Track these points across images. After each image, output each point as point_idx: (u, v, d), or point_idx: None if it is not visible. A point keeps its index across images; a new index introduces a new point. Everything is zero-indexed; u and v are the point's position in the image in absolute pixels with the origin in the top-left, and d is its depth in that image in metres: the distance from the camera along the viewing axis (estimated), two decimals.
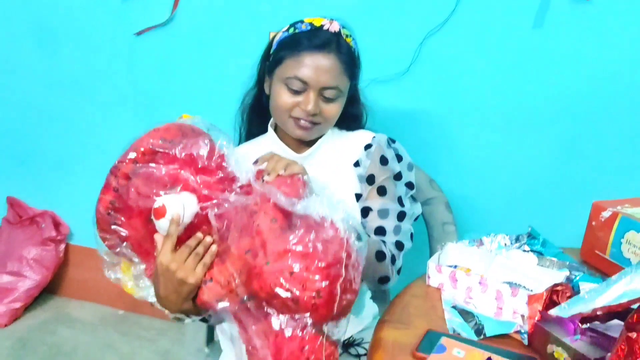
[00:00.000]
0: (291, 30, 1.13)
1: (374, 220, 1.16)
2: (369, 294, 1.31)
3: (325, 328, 0.85)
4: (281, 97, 1.11)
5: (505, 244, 1.18)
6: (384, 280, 1.13)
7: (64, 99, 2.11)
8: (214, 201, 0.91)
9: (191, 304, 0.92)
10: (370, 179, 1.18)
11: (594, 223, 1.13)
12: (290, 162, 0.94)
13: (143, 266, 0.96)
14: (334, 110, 1.13)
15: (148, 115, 1.94)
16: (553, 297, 0.90)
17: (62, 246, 2.27)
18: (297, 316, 0.83)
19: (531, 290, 0.98)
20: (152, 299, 0.96)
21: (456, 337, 0.89)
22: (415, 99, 1.65)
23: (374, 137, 1.22)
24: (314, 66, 1.08)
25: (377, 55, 1.60)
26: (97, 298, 2.32)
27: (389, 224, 1.16)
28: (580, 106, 1.52)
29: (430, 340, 0.86)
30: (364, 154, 1.20)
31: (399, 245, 1.16)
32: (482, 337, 0.91)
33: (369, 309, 1.28)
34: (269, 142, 1.21)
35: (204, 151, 0.91)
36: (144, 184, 0.89)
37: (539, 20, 1.49)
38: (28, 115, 2.20)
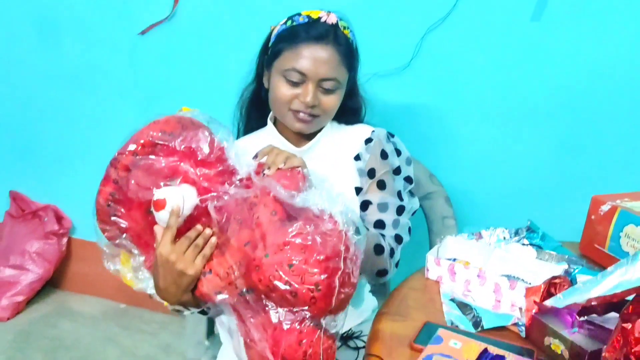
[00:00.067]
0: (289, 23, 1.14)
1: (373, 214, 1.17)
2: (368, 287, 1.32)
3: (323, 322, 0.85)
4: (280, 90, 1.12)
5: (505, 238, 1.18)
6: (382, 273, 1.13)
7: (66, 94, 2.12)
8: (214, 193, 0.91)
9: (190, 296, 0.93)
10: (370, 173, 1.19)
11: (593, 217, 1.13)
12: (290, 155, 0.95)
13: (142, 258, 0.96)
14: (332, 102, 1.13)
15: (149, 110, 1.95)
16: (551, 289, 0.91)
17: (65, 240, 2.28)
18: (295, 309, 0.83)
19: (529, 284, 0.98)
20: (151, 290, 0.97)
21: (453, 329, 0.89)
22: (416, 94, 1.65)
23: (374, 131, 1.22)
24: (312, 58, 1.09)
25: (378, 49, 1.60)
26: (99, 292, 2.33)
27: (388, 217, 1.16)
28: (580, 101, 1.52)
29: (428, 332, 0.87)
30: (364, 148, 1.20)
31: (398, 239, 1.16)
32: (480, 329, 0.92)
33: (369, 302, 1.29)
34: (268, 136, 1.21)
35: (203, 144, 0.91)
36: (144, 176, 0.90)
37: (538, 14, 1.48)
38: (30, 109, 2.21)
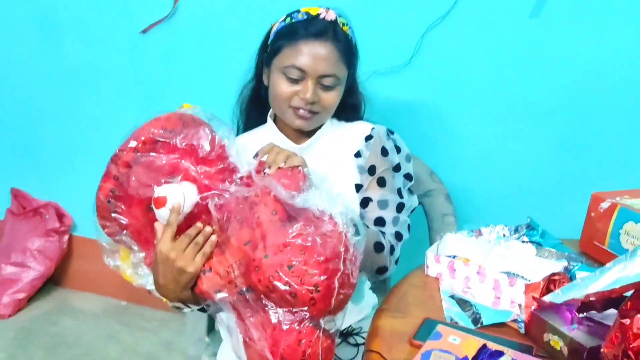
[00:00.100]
0: (288, 20, 1.14)
1: (373, 211, 1.17)
2: (368, 284, 1.32)
3: (322, 322, 0.85)
4: (280, 87, 1.12)
5: (504, 235, 1.18)
6: (382, 270, 1.13)
7: (67, 92, 2.12)
8: (215, 191, 0.91)
9: (190, 293, 0.93)
10: (370, 170, 1.19)
11: (592, 214, 1.13)
12: (291, 155, 0.95)
13: (142, 254, 0.96)
14: (332, 98, 1.14)
15: (150, 108, 1.92)
16: (550, 286, 0.91)
17: (66, 237, 2.28)
18: (294, 310, 0.83)
19: (529, 280, 0.98)
20: (151, 286, 0.97)
21: (453, 325, 0.90)
22: (416, 91, 1.65)
23: (374, 128, 1.22)
24: (311, 54, 1.09)
25: (378, 47, 1.60)
26: (100, 289, 2.33)
27: (388, 215, 1.17)
28: (580, 98, 1.52)
29: (427, 329, 0.87)
30: (364, 145, 1.20)
31: (398, 236, 1.17)
32: (479, 325, 0.92)
33: (369, 299, 1.29)
34: (268, 133, 1.22)
35: (204, 141, 0.91)
36: (145, 172, 0.90)
37: (536, 11, 1.49)
38: (32, 108, 2.21)
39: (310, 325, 0.84)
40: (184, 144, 0.90)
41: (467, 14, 1.55)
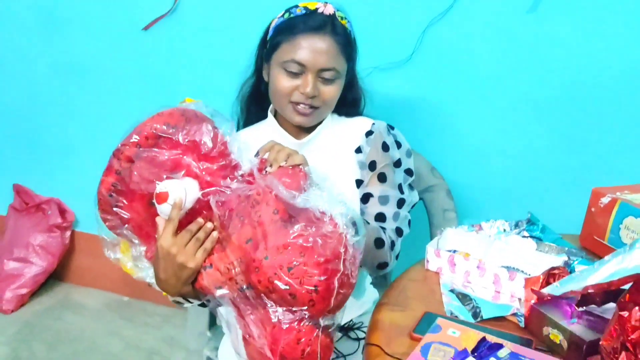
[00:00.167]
0: (286, 15, 1.14)
1: (374, 206, 1.17)
2: (369, 279, 1.33)
3: (321, 321, 0.86)
4: (280, 82, 1.12)
5: (505, 230, 1.18)
6: (383, 266, 1.14)
7: (69, 88, 2.13)
8: (216, 188, 0.92)
9: (190, 288, 0.94)
10: (371, 165, 1.19)
11: (593, 209, 1.13)
12: (292, 153, 0.95)
13: (143, 248, 0.97)
14: (332, 92, 1.14)
15: (152, 104, 1.94)
16: (550, 280, 0.91)
17: (68, 233, 2.29)
18: (294, 309, 0.84)
19: (529, 275, 0.99)
20: (151, 280, 0.98)
21: (453, 319, 0.90)
22: (417, 87, 1.65)
23: (374, 123, 1.23)
24: (310, 48, 1.09)
25: (379, 43, 1.61)
26: (102, 284, 2.34)
27: (389, 210, 1.17)
28: (581, 94, 1.52)
29: (427, 322, 0.87)
30: (364, 141, 1.21)
31: (398, 232, 1.17)
32: (479, 319, 0.92)
33: (370, 294, 1.30)
34: (268, 129, 1.22)
35: (207, 138, 0.92)
36: (147, 168, 0.90)
37: (534, 7, 1.49)
38: (34, 103, 2.22)
39: (310, 324, 0.85)
40: (186, 140, 0.91)
41: (468, 10, 1.55)
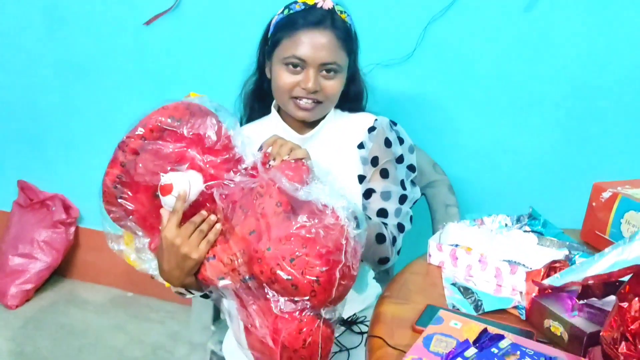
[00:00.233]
0: (286, 11, 1.15)
1: (376, 202, 1.18)
2: (372, 274, 1.33)
3: (322, 311, 0.87)
4: (281, 78, 1.13)
5: (506, 224, 1.19)
6: (384, 261, 1.15)
7: (73, 84, 2.14)
8: (220, 181, 0.93)
9: (193, 279, 0.95)
10: (374, 161, 1.20)
11: (594, 204, 1.14)
12: (294, 147, 0.96)
13: (146, 240, 0.98)
14: (334, 86, 1.14)
15: (154, 99, 1.94)
16: (551, 273, 0.92)
17: (72, 229, 2.31)
18: (296, 299, 0.85)
19: (530, 269, 0.99)
20: (154, 272, 0.99)
21: (455, 311, 0.91)
22: (419, 83, 1.66)
23: (376, 119, 1.23)
24: (310, 43, 1.10)
25: (381, 39, 1.61)
26: (107, 280, 2.36)
27: (391, 206, 1.18)
28: (582, 90, 1.53)
29: (430, 315, 0.88)
30: (367, 136, 1.21)
31: (400, 227, 1.18)
32: (481, 312, 0.93)
33: (372, 289, 1.31)
34: (272, 124, 1.23)
35: (211, 131, 0.93)
36: (151, 160, 0.91)
37: (531, 5, 1.49)
38: (38, 100, 2.23)
39: (311, 314, 0.86)
40: (190, 133, 0.92)
41: (469, 6, 1.55)
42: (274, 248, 0.84)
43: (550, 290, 0.88)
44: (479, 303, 0.96)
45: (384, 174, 1.20)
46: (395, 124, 1.24)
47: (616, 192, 1.09)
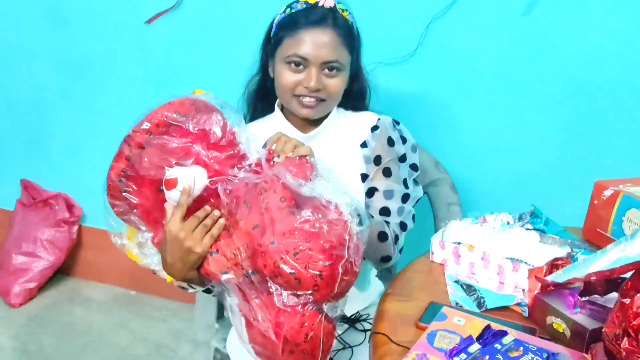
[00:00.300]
0: (288, 10, 1.16)
1: (379, 201, 1.19)
2: (374, 271, 1.34)
3: (324, 307, 0.88)
4: (284, 77, 1.13)
5: (508, 222, 1.20)
6: (386, 259, 1.15)
7: (75, 83, 2.15)
8: (224, 177, 0.94)
9: (196, 274, 0.95)
10: (376, 160, 1.20)
11: (596, 202, 1.15)
12: (298, 144, 0.97)
13: (149, 234, 0.99)
14: (337, 84, 1.15)
15: (157, 97, 1.95)
16: (553, 270, 0.92)
17: (75, 228, 2.31)
18: (299, 293, 0.86)
19: (532, 266, 1.00)
20: (156, 266, 0.99)
21: (458, 308, 0.92)
22: (421, 82, 1.66)
23: (380, 118, 1.24)
24: (312, 42, 1.10)
25: (383, 38, 1.62)
26: (110, 279, 2.36)
27: (394, 205, 1.18)
28: (584, 88, 1.53)
29: (433, 312, 0.89)
30: (370, 135, 1.22)
31: (402, 226, 1.18)
32: (483, 309, 0.94)
33: (375, 286, 1.31)
34: (275, 122, 1.23)
35: (216, 127, 0.94)
36: (157, 154, 0.92)
37: (531, 7, 1.50)
38: (40, 99, 2.24)
39: (314, 309, 0.87)
40: (196, 128, 0.93)
41: (471, 5, 1.56)
42: (278, 242, 0.85)
43: (552, 287, 0.88)
44: (482, 300, 0.96)
45: (387, 172, 1.20)
46: (398, 123, 1.25)
47: (618, 190, 1.09)
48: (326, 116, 1.21)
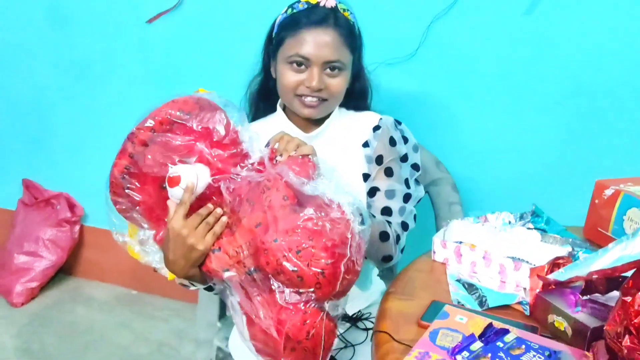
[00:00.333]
0: (289, 11, 1.16)
1: (380, 200, 1.19)
2: (376, 271, 1.35)
3: (326, 305, 0.88)
4: (286, 77, 1.14)
5: (510, 222, 1.20)
6: (387, 259, 1.16)
7: (76, 83, 2.16)
8: (227, 175, 0.94)
9: (197, 271, 0.96)
10: (378, 160, 1.21)
11: (596, 201, 1.15)
12: (301, 143, 0.97)
13: (151, 232, 0.99)
14: (338, 84, 1.15)
15: (158, 97, 1.97)
16: (554, 269, 0.93)
17: (77, 227, 2.32)
18: (301, 290, 0.86)
19: (534, 265, 1.00)
20: (157, 264, 1.00)
21: (460, 306, 0.92)
22: (422, 82, 1.67)
23: (381, 118, 1.24)
24: (314, 42, 1.11)
25: (384, 38, 1.62)
26: (111, 278, 2.37)
27: (395, 204, 1.19)
28: (585, 88, 1.54)
29: (435, 310, 0.89)
30: (372, 135, 1.22)
31: (404, 226, 1.19)
32: (485, 308, 0.94)
33: (377, 285, 1.32)
34: (277, 122, 1.24)
35: (219, 126, 0.94)
36: (160, 152, 0.92)
37: (533, 8, 1.50)
38: (42, 99, 2.24)
39: (315, 306, 0.87)
40: (199, 127, 0.93)
41: (472, 5, 1.56)
42: (281, 240, 0.86)
43: (554, 286, 0.89)
44: (484, 299, 0.97)
45: (389, 172, 1.21)
46: (399, 123, 1.25)
47: (618, 190, 1.10)
48: (328, 116, 1.21)
